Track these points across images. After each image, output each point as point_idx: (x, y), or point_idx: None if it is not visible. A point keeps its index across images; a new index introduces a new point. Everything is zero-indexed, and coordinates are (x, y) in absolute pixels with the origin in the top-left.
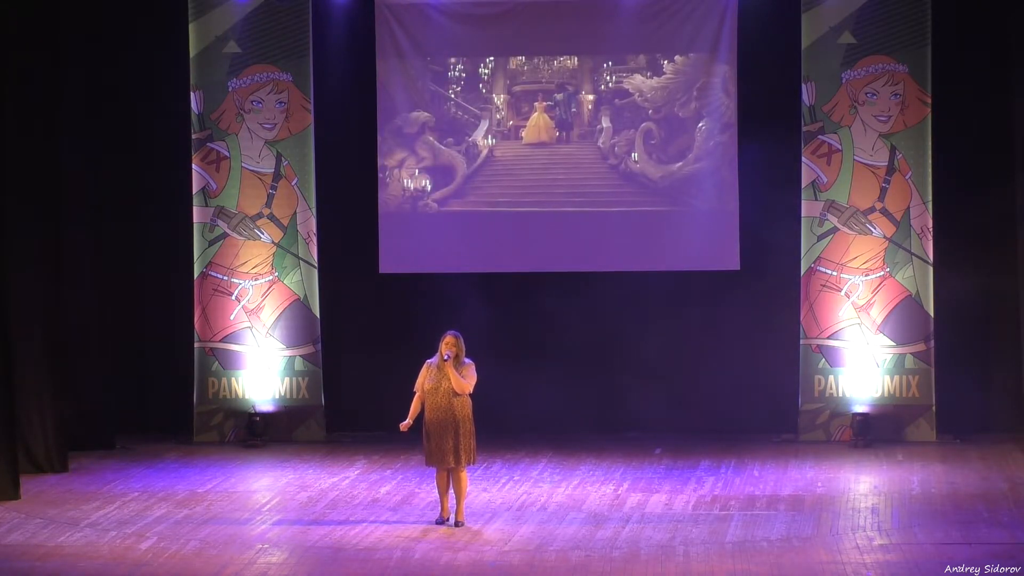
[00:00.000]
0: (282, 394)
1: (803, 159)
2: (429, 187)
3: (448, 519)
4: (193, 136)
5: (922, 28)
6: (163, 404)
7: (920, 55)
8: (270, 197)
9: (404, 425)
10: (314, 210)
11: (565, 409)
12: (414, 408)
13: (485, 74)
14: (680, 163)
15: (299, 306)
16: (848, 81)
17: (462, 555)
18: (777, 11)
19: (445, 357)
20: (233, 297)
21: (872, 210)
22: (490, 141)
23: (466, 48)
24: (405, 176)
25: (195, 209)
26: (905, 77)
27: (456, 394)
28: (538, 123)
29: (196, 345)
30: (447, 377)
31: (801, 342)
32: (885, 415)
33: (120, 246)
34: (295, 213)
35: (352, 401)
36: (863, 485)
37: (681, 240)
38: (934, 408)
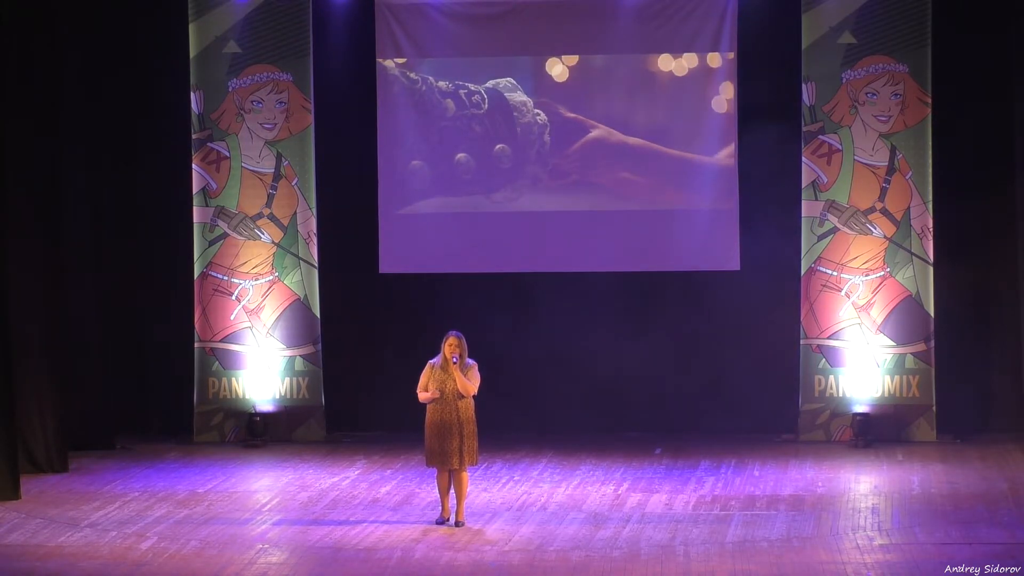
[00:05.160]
0: (282, 394)
1: (803, 159)
2: (430, 187)
3: (448, 519)
4: (193, 136)
5: (922, 28)
6: (163, 404)
7: (920, 55)
8: (270, 197)
9: (428, 396)
10: (314, 210)
11: (565, 409)
12: (434, 392)
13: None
14: (680, 163)
15: (299, 306)
16: (848, 81)
17: (462, 555)
18: (777, 11)
19: (453, 360)
20: (233, 297)
21: (872, 210)
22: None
23: (466, 48)
24: (405, 176)
25: (195, 209)
26: (905, 77)
27: (461, 396)
28: None
29: (196, 345)
30: (452, 378)
31: (801, 342)
32: (885, 415)
33: (120, 246)
34: (295, 213)
35: (352, 401)
36: (863, 485)
37: (681, 240)
38: (934, 408)
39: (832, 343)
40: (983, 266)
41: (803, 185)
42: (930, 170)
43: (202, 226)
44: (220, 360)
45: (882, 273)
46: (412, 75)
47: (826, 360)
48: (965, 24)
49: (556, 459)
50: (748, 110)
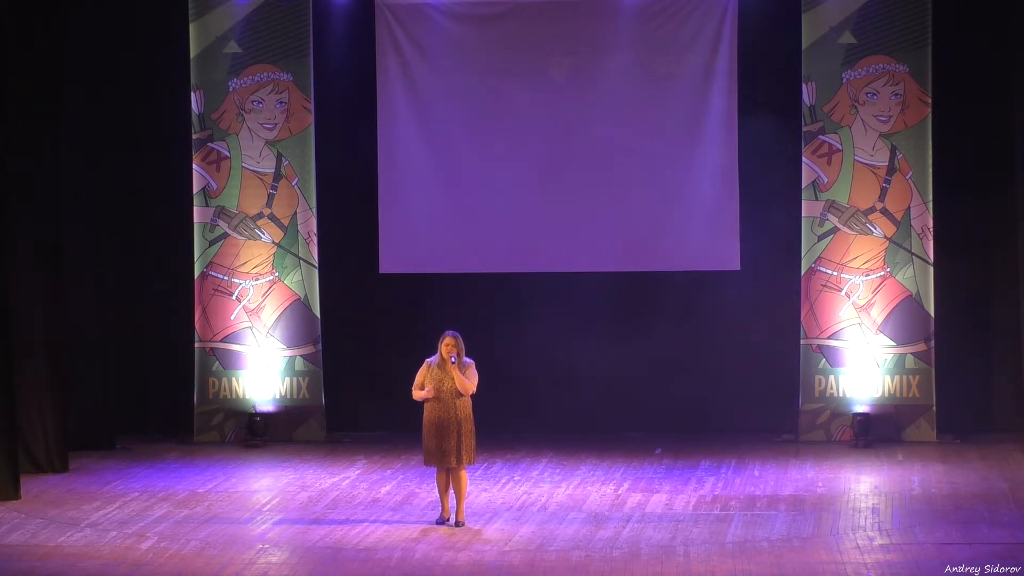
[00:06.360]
0: (282, 394)
1: (803, 159)
2: (430, 187)
3: (448, 519)
4: (193, 136)
5: (922, 28)
6: (163, 404)
7: (920, 55)
8: (270, 197)
9: (423, 395)
10: (314, 210)
11: (565, 409)
12: (429, 392)
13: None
14: (680, 163)
15: (299, 306)
16: (848, 81)
17: (463, 555)
18: (777, 11)
19: (452, 360)
20: (233, 297)
21: (872, 210)
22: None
23: (466, 48)
24: (406, 176)
25: (195, 209)
26: (905, 77)
27: (459, 394)
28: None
29: (196, 345)
30: (450, 377)
31: (801, 342)
32: (885, 415)
33: (120, 245)
34: (295, 213)
35: (352, 401)
36: (863, 485)
37: (681, 240)
38: (934, 408)
39: (832, 343)
40: (983, 266)
41: (803, 185)
42: (930, 170)
43: (202, 226)
44: (220, 360)
45: (882, 273)
46: (412, 75)
47: (826, 360)
48: (965, 24)
49: (556, 459)
50: (748, 110)
